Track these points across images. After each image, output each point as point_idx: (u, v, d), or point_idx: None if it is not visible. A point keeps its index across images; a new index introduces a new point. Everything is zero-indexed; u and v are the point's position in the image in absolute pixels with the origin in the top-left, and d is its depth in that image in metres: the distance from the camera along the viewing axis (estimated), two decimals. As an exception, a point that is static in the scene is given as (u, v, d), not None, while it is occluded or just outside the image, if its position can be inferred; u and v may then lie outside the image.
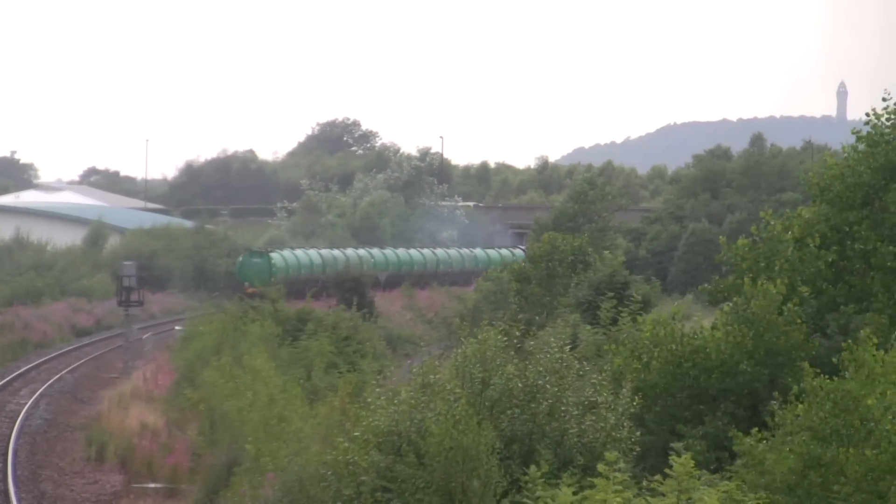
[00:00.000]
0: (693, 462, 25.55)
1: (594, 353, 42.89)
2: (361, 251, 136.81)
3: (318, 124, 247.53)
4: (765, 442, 33.56)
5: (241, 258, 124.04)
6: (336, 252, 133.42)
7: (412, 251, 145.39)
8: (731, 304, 41.65)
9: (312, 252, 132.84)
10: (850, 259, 41.34)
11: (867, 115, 43.33)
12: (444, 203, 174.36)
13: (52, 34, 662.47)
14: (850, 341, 34.48)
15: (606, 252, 78.75)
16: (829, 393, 32.97)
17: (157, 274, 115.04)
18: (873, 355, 32.65)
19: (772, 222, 43.63)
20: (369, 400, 34.29)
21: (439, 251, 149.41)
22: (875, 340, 33.58)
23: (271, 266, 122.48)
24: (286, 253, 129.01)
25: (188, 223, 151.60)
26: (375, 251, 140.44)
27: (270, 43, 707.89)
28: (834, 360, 34.69)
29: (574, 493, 24.49)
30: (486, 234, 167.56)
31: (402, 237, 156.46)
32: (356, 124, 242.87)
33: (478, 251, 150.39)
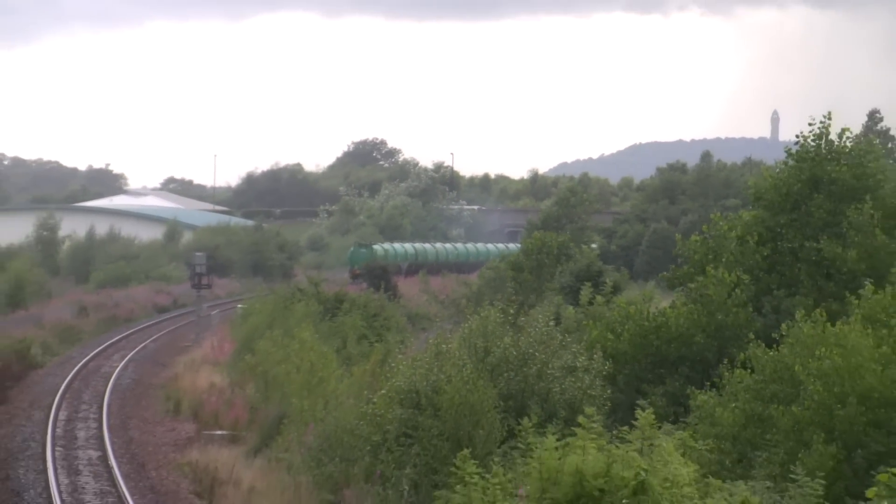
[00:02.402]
0: (655, 416, 25.46)
1: (574, 328, 42.83)
2: (427, 245, 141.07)
3: (352, 142, 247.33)
4: (714, 399, 33.53)
5: (352, 249, 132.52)
6: (417, 245, 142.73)
7: (427, 245, 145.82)
8: (687, 289, 41.75)
9: (397, 245, 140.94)
10: (781, 254, 41.33)
11: (796, 137, 43.29)
12: (453, 207, 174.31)
13: (138, 68, 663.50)
14: (788, 321, 34.48)
15: (584, 247, 78.75)
16: (769, 362, 32.93)
17: (222, 263, 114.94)
18: (808, 332, 32.59)
19: (719, 223, 43.69)
20: (393, 365, 34.30)
21: (449, 246, 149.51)
22: (807, 321, 33.58)
23: (373, 254, 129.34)
24: (385, 245, 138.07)
25: (247, 222, 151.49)
26: (438, 245, 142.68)
27: (316, 75, 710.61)
28: (774, 335, 34.69)
29: (558, 441, 24.38)
30: (488, 232, 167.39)
31: (419, 234, 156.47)
32: (383, 143, 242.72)
33: (480, 246, 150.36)
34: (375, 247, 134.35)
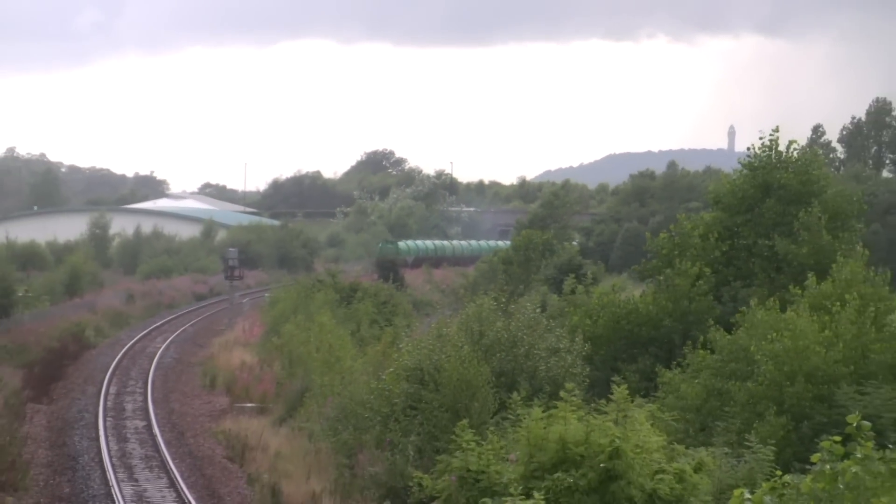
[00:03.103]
0: (628, 390, 25.48)
1: (558, 314, 42.81)
2: (439, 241, 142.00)
3: (365, 152, 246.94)
4: (679, 376, 33.56)
5: (381, 244, 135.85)
6: (429, 242, 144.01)
7: (429, 242, 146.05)
8: (656, 279, 41.83)
9: (419, 242, 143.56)
10: (738, 249, 41.39)
11: (748, 149, 43.48)
12: (452, 209, 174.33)
13: (179, 87, 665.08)
14: (744, 308, 34.53)
15: (566, 243, 78.79)
16: (727, 344, 32.97)
17: (252, 257, 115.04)
18: (761, 318, 32.61)
19: (684, 223, 43.72)
20: (400, 346, 34.34)
21: (448, 242, 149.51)
22: (761, 308, 33.61)
23: (398, 249, 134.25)
24: (409, 242, 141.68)
25: (273, 222, 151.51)
26: (455, 242, 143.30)
27: (333, 93, 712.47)
28: (731, 320, 34.75)
29: (543, 412, 24.41)
30: (482, 231, 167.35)
31: (423, 232, 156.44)
32: (392, 153, 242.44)
33: (475, 242, 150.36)
34: (400, 243, 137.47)
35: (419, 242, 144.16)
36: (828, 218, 40.17)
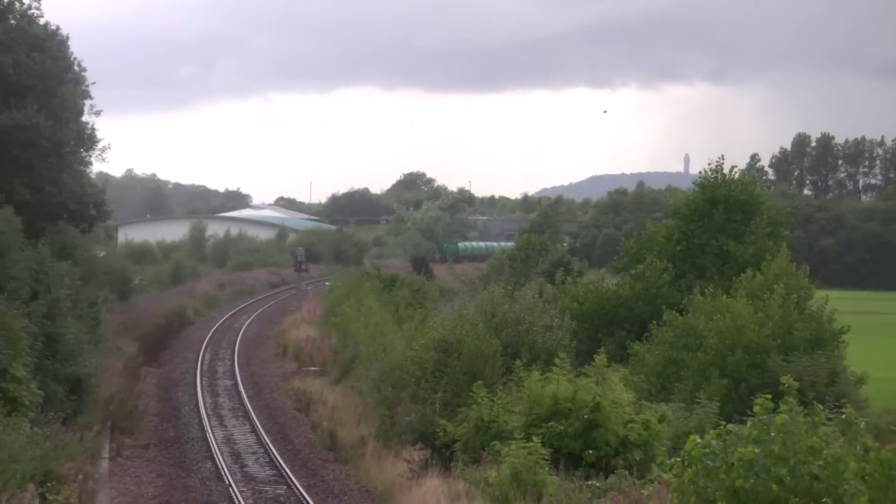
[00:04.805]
0: (606, 358, 25.48)
1: (551, 299, 42.78)
2: (482, 243, 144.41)
3: (402, 174, 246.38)
4: (644, 348, 33.55)
5: (445, 245, 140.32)
6: (483, 243, 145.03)
7: (480, 243, 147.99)
8: (628, 273, 41.84)
9: (471, 243, 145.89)
10: (692, 249, 41.30)
11: (700, 172, 43.60)
12: (470, 217, 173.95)
13: (259, 122, 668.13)
14: (691, 296, 34.52)
15: (558, 245, 78.61)
16: (681, 323, 32.93)
17: (314, 254, 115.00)
18: (706, 304, 32.56)
19: (650, 228, 43.73)
20: (429, 323, 34.34)
21: (467, 243, 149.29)
22: (704, 295, 33.55)
23: (458, 249, 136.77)
24: (466, 243, 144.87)
25: (332, 227, 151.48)
26: (491, 243, 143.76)
27: (379, 126, 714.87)
28: (681, 304, 34.71)
29: (540, 375, 24.44)
30: (493, 235, 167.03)
31: (447, 236, 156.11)
32: (423, 174, 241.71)
33: (488, 244, 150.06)
34: (460, 244, 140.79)
35: (471, 243, 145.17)
36: (765, 226, 40.30)
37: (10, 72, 38.82)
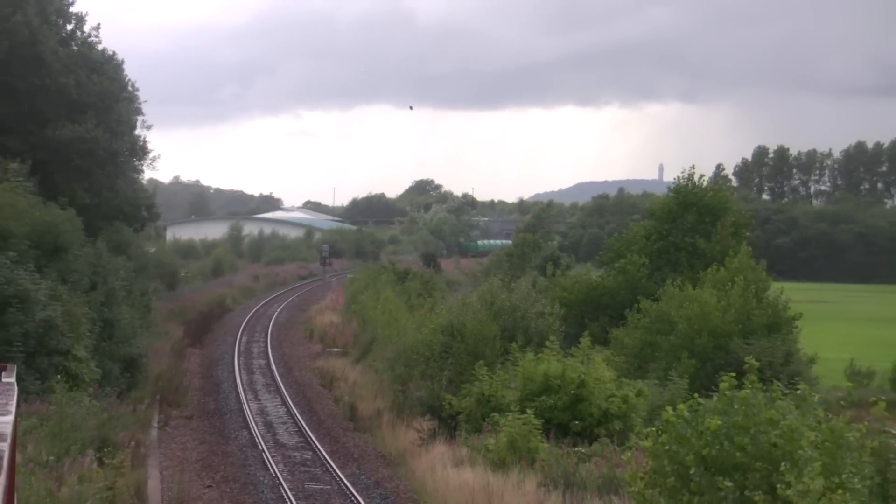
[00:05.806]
0: (591, 341, 25.43)
1: (543, 289, 42.74)
2: (497, 241, 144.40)
3: (414, 180, 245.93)
4: (623, 332, 33.48)
5: (468, 243, 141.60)
6: (496, 241, 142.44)
7: (497, 241, 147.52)
8: (611, 266, 41.78)
9: (488, 241, 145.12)
10: (667, 246, 41.22)
11: (674, 179, 43.51)
12: (473, 219, 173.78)
13: (289, 135, 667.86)
14: (664, 287, 34.44)
15: (549, 243, 78.41)
16: (655, 310, 32.85)
17: (337, 251, 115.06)
18: (677, 294, 32.46)
19: (631, 228, 43.64)
20: (437, 310, 34.29)
21: (484, 241, 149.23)
22: (675, 287, 33.46)
23: (478, 246, 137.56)
24: (484, 241, 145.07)
25: (353, 227, 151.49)
26: (501, 242, 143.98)
27: (393, 139, 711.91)
28: (656, 294, 34.62)
29: (533, 356, 24.40)
30: (493, 234, 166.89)
31: (453, 235, 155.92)
32: (432, 181, 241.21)
33: (489, 241, 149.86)
34: (479, 242, 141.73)
35: (487, 241, 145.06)
36: (729, 226, 40.25)
37: (72, 91, 38.96)
